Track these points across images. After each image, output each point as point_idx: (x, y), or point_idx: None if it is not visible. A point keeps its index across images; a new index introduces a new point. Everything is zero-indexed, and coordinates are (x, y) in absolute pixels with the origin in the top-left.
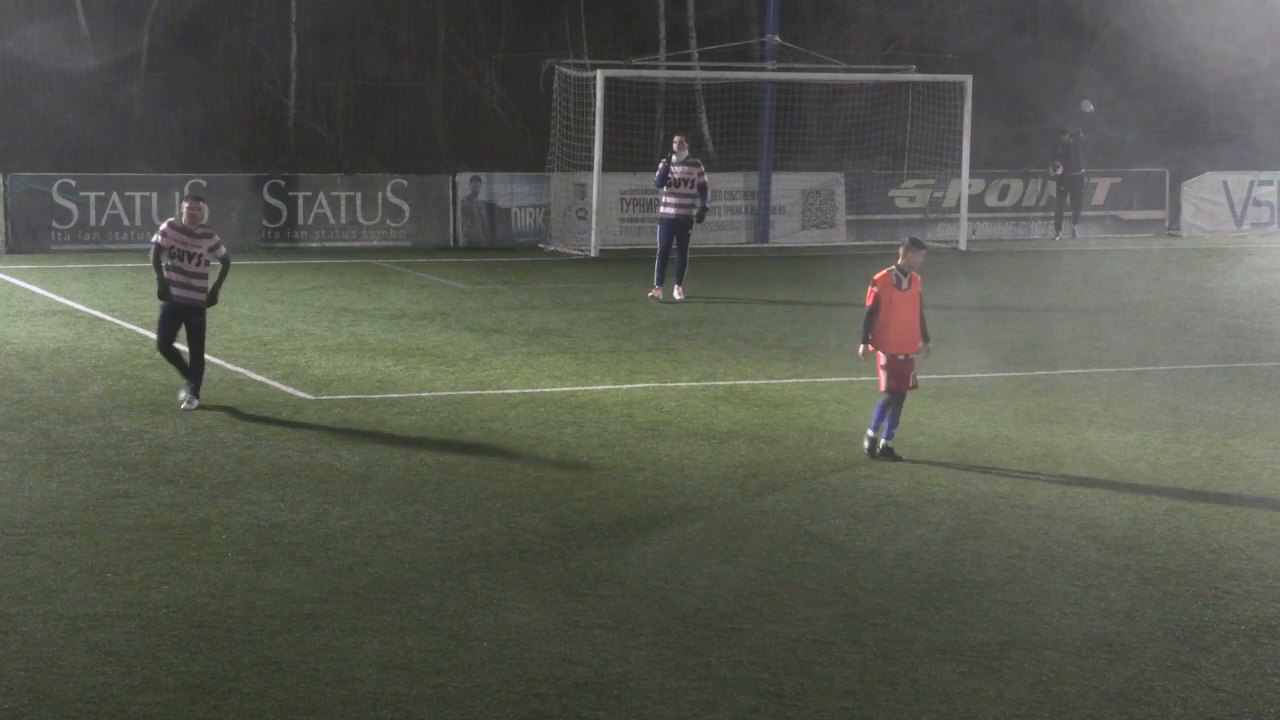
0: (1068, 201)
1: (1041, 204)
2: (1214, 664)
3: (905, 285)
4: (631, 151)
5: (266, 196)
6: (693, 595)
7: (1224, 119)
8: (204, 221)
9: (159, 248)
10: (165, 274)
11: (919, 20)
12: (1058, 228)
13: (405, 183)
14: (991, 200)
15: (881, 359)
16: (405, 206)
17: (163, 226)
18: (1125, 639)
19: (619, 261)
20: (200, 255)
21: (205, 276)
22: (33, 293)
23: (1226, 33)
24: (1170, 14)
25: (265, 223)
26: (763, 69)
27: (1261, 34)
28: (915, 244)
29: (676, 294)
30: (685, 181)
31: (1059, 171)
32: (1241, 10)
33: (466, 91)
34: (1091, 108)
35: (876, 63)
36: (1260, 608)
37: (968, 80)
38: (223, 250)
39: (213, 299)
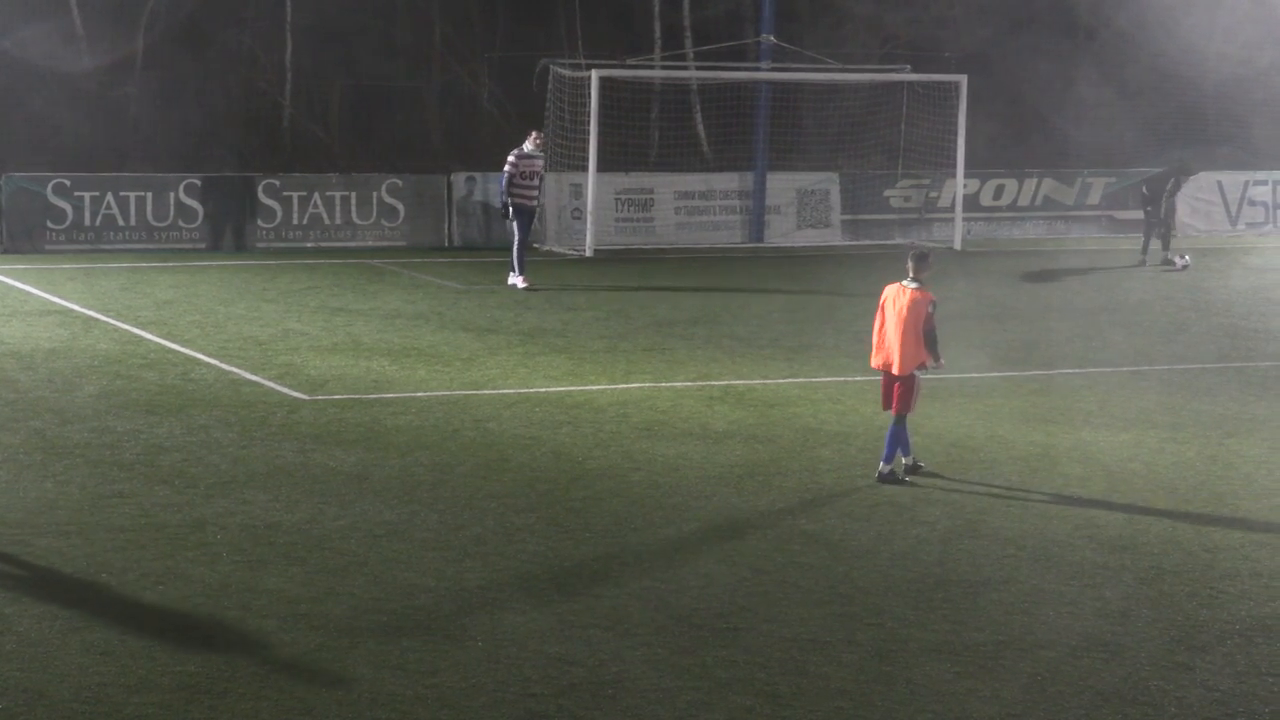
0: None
1: (1037, 204)
2: (1209, 663)
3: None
4: (627, 152)
5: (261, 196)
6: (688, 595)
7: (1223, 119)
8: None
9: None
10: None
11: (914, 20)
12: (1155, 246)
13: (400, 183)
14: (986, 200)
15: (921, 378)
16: (400, 206)
17: None
18: (1121, 638)
19: (614, 261)
20: None
21: None
22: (28, 293)
23: (1226, 32)
24: (1170, 14)
25: (260, 223)
26: (757, 69)
27: (1261, 34)
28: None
29: (523, 282)
30: (535, 174)
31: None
32: (1241, 10)
33: (462, 91)
34: (1194, 169)
35: (873, 62)
36: (1256, 607)
37: (962, 80)
38: None
39: None
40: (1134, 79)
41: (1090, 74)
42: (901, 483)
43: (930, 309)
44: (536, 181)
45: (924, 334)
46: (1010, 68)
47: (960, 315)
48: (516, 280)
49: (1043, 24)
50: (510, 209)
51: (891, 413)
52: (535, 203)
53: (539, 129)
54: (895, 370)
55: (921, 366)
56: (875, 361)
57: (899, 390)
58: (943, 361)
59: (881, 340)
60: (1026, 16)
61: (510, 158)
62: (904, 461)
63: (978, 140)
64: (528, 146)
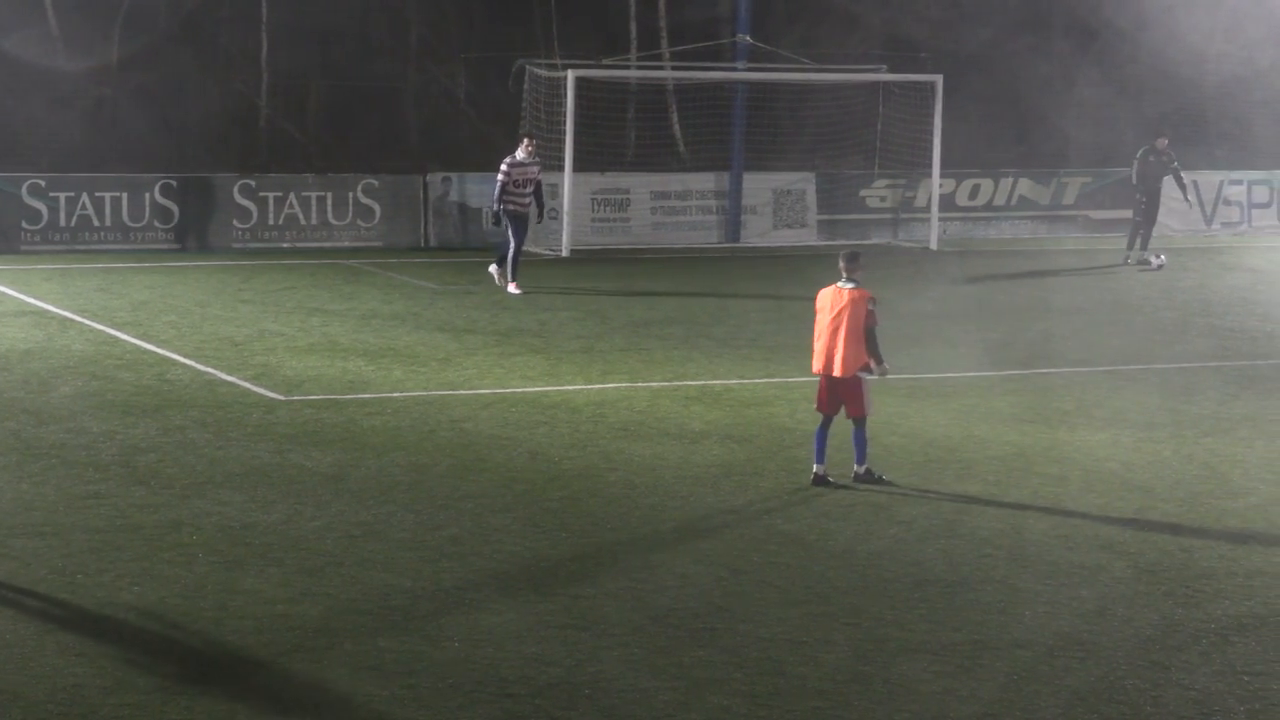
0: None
1: (1013, 203)
2: (1185, 662)
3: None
4: (603, 152)
5: (237, 197)
6: (665, 595)
7: (1223, 119)
8: None
9: None
10: None
11: (892, 20)
12: (1136, 245)
13: (376, 183)
14: (962, 200)
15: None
16: (376, 207)
17: None
18: (1098, 638)
19: (590, 262)
20: None
21: None
22: (2, 293)
23: (1227, 32)
24: (1169, 14)
25: (236, 223)
26: (734, 69)
27: (1261, 34)
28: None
29: (515, 288)
30: (530, 181)
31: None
32: (1241, 10)
33: (438, 91)
34: (1166, 142)
35: (851, 63)
36: (1231, 606)
37: (938, 80)
38: None
39: None
40: (1133, 79)
41: (1088, 74)
42: (879, 481)
43: (871, 306)
44: (529, 189)
45: (866, 333)
46: (995, 68)
47: (936, 315)
48: (495, 274)
49: (1032, 24)
50: (501, 216)
51: (849, 416)
52: (529, 209)
53: (531, 135)
54: (838, 373)
55: (865, 368)
56: (816, 366)
57: (850, 394)
58: (886, 366)
59: (823, 345)
60: (1013, 17)
61: (503, 166)
62: (815, 470)
63: (957, 140)
64: (520, 154)
